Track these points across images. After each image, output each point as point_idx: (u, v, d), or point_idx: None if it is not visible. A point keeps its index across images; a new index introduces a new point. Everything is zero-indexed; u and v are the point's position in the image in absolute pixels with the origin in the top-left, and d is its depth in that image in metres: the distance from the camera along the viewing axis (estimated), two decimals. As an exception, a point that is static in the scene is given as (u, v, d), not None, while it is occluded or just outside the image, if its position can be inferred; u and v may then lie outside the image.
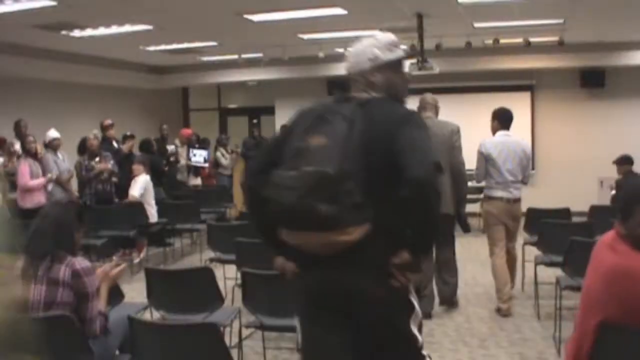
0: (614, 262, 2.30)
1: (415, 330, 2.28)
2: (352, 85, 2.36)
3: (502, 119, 5.44)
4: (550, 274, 5.43)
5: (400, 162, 2.09)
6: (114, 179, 8.09)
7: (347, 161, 2.06)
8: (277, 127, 12.10)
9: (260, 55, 10.79)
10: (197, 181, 10.64)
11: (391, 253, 2.16)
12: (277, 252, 2.33)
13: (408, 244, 2.18)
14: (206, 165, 10.60)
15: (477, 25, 8.73)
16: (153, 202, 7.80)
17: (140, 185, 7.67)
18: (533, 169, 6.56)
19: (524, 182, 5.43)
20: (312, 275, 2.22)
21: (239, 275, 4.81)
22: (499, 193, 5.31)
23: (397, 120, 2.19)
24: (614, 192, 7.91)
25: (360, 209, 2.05)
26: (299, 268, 2.27)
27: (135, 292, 5.87)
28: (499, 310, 5.33)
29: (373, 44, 2.35)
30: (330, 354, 2.24)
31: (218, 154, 11.03)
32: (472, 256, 7.30)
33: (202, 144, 10.97)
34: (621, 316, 2.24)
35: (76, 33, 8.49)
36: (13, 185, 7.46)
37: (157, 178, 8.89)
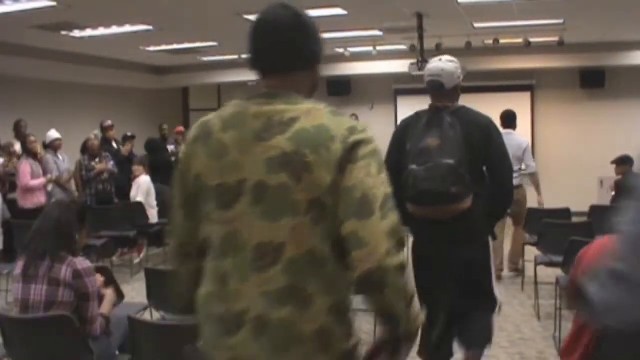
0: None
1: (496, 291, 3.26)
2: (445, 94, 3.19)
3: (504, 120, 6.36)
4: (550, 274, 5.43)
5: (494, 165, 3.15)
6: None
7: (458, 154, 2.96)
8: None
9: (260, 55, 10.78)
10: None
11: (483, 213, 3.11)
12: None
13: (488, 214, 3.18)
14: None
15: (477, 25, 8.73)
16: (154, 203, 7.79)
17: (144, 190, 7.65)
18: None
19: (528, 171, 6.34)
20: (432, 234, 3.10)
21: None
22: None
23: (485, 125, 3.16)
24: (614, 192, 7.90)
25: (469, 185, 2.99)
26: (417, 235, 3.23)
27: (135, 292, 5.88)
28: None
29: (457, 65, 3.26)
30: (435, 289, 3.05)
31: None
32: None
33: None
34: None
35: (76, 33, 8.49)
36: (13, 185, 7.46)
37: (167, 177, 8.92)
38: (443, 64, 3.23)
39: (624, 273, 1.10)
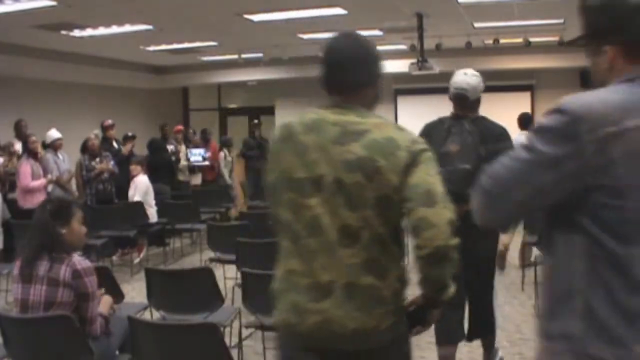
0: None
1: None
2: (468, 105, 3.51)
3: (521, 122, 7.06)
4: (550, 274, 5.44)
5: None
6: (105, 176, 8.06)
7: (474, 159, 3.26)
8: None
9: (260, 55, 10.79)
10: (197, 180, 10.62)
11: None
12: None
13: None
14: (206, 163, 10.55)
15: (477, 25, 8.74)
16: (153, 202, 7.79)
17: (142, 190, 7.65)
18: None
19: None
20: None
21: (239, 275, 4.81)
22: None
23: (499, 133, 3.48)
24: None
25: None
26: None
27: (135, 292, 5.89)
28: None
29: (480, 79, 3.54)
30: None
31: (221, 154, 10.94)
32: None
33: (203, 134, 10.92)
34: None
35: (76, 33, 8.50)
36: (13, 185, 7.45)
37: (168, 177, 8.92)
38: (469, 78, 3.53)
39: (485, 187, 1.47)
